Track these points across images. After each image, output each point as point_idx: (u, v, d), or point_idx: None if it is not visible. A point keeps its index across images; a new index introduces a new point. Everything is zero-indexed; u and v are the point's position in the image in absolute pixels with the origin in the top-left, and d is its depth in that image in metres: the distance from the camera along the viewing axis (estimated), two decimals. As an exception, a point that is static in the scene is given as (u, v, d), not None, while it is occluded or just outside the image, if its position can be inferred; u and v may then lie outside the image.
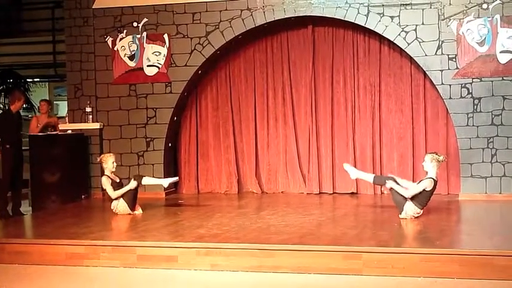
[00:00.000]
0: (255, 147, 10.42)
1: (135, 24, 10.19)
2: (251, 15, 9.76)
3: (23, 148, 10.20)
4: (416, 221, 7.31)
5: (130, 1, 10.20)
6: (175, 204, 9.33)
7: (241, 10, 9.77)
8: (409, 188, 7.41)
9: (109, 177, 8.29)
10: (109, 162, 8.34)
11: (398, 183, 7.47)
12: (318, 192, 10.01)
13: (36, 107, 12.65)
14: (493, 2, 8.94)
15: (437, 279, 5.64)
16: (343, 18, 9.47)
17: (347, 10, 9.38)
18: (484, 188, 9.04)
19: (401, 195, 7.35)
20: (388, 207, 8.07)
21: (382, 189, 8.68)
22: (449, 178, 9.53)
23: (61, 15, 11.43)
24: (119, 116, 10.30)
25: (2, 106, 13.63)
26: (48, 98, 13.66)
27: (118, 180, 8.40)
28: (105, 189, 8.41)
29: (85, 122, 10.36)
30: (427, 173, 7.51)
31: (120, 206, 8.20)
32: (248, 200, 9.77)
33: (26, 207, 10.10)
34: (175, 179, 9.22)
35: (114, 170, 8.37)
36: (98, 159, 8.66)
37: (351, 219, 7.68)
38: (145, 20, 10.17)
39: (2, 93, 13.96)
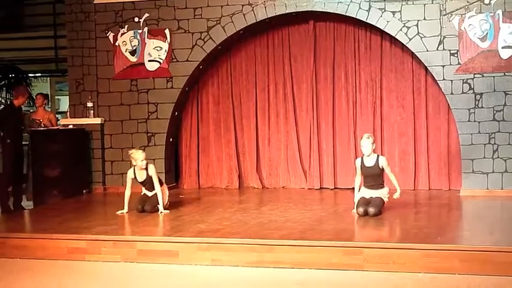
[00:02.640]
0: (256, 142, 10.41)
1: (136, 19, 10.18)
2: (252, 10, 9.74)
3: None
4: (417, 216, 7.31)
5: (131, -4, 10.22)
6: (176, 199, 9.32)
7: (243, 5, 9.75)
8: (390, 176, 7.54)
9: (134, 172, 8.06)
10: (138, 160, 7.99)
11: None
12: (319, 188, 10.00)
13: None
14: (494, -3, 8.93)
15: (438, 275, 5.65)
16: (344, 14, 9.45)
17: (348, 5, 9.36)
18: (485, 183, 9.02)
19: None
20: (389, 202, 8.05)
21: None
22: (450, 174, 9.52)
23: (62, 10, 11.40)
24: (120, 111, 10.30)
25: (3, 101, 13.63)
26: (47, 93, 13.61)
27: (143, 179, 8.04)
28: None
29: (86, 117, 10.35)
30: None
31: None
32: (249, 195, 9.78)
33: (24, 202, 10.09)
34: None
35: (143, 167, 7.98)
36: (129, 152, 8.21)
37: (352, 215, 7.67)
38: (146, 15, 10.16)
39: (4, 88, 13.96)
